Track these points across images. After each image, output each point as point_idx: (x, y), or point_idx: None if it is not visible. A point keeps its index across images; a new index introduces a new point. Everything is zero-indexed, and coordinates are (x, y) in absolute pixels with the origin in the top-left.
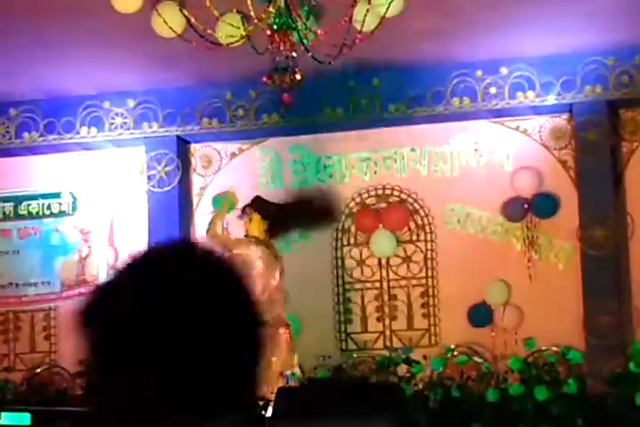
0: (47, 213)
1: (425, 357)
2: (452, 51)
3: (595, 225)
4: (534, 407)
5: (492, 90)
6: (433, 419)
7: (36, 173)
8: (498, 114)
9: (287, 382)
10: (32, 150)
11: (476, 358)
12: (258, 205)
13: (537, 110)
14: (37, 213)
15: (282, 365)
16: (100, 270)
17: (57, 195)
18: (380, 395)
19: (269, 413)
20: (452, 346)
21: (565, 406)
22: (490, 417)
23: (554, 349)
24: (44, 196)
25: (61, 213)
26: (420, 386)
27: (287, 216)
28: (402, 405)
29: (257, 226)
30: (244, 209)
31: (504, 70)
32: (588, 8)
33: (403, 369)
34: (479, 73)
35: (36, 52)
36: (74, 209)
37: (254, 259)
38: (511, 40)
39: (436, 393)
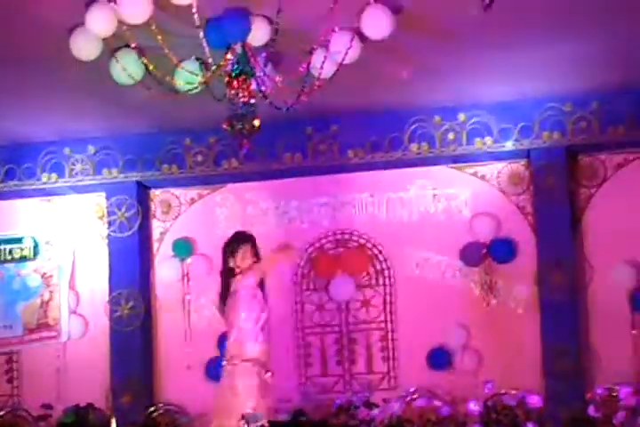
0: (9, 258)
1: (385, 400)
2: (410, 97)
3: (553, 270)
4: None
5: (451, 136)
6: None
7: None
8: (456, 160)
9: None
10: None
11: (436, 402)
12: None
13: (495, 156)
14: None
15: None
16: (62, 314)
17: (18, 240)
18: None
19: None
20: (412, 389)
21: None
22: None
23: (513, 392)
24: (6, 241)
25: (23, 258)
26: None
27: None
28: None
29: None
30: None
31: (462, 116)
32: (544, 55)
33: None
34: (437, 119)
35: None
36: (35, 254)
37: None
38: (469, 86)
39: None
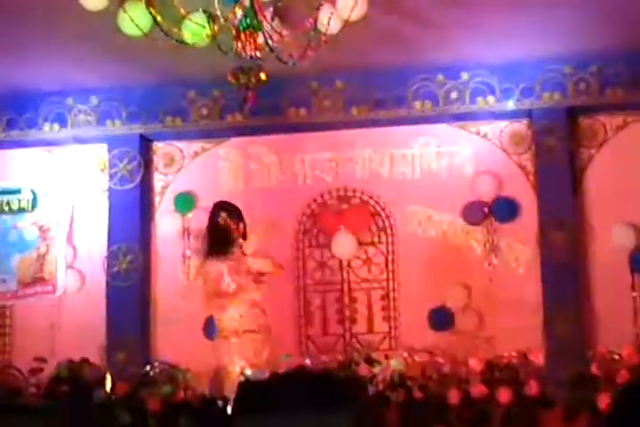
0: (6, 209)
1: (386, 356)
2: (415, 55)
3: (554, 230)
4: (497, 409)
5: (454, 94)
6: (394, 420)
7: None
8: (459, 118)
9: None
10: None
11: (437, 359)
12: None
13: (497, 115)
14: None
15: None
16: (58, 268)
17: (17, 191)
18: (342, 388)
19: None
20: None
21: (528, 407)
22: (453, 418)
23: (513, 353)
24: (4, 192)
25: (20, 210)
26: (381, 387)
27: None
28: (365, 398)
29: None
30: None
31: (465, 75)
32: (547, 17)
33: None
34: (441, 77)
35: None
36: (33, 206)
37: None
38: (472, 46)
39: (398, 394)
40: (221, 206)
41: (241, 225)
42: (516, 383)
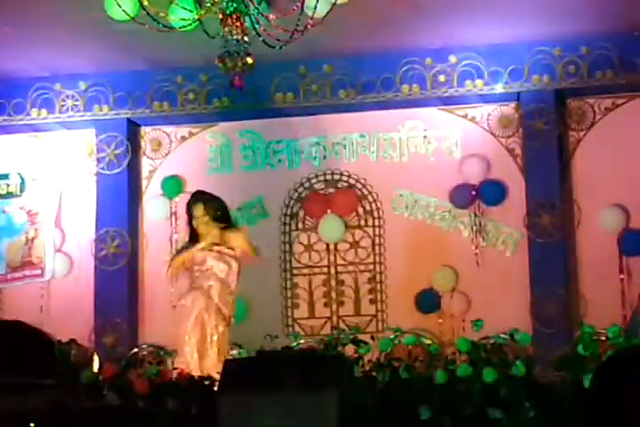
0: None
1: (373, 337)
2: (403, 38)
3: (542, 213)
4: (482, 389)
5: (441, 78)
6: (381, 401)
7: None
8: (446, 101)
9: None
10: None
11: (424, 340)
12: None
13: (485, 99)
14: None
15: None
16: (47, 253)
17: (5, 176)
18: (328, 367)
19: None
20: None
21: (513, 388)
22: (438, 399)
23: (501, 336)
24: None
25: (9, 195)
26: (368, 368)
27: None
28: (350, 376)
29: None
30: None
31: (453, 59)
32: None
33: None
34: (429, 61)
35: None
36: (21, 190)
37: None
38: (460, 29)
39: (384, 375)
40: (196, 197)
41: (219, 213)
42: (503, 363)
